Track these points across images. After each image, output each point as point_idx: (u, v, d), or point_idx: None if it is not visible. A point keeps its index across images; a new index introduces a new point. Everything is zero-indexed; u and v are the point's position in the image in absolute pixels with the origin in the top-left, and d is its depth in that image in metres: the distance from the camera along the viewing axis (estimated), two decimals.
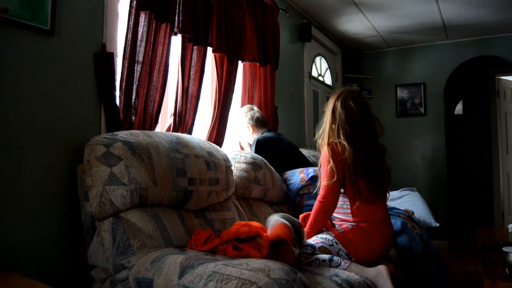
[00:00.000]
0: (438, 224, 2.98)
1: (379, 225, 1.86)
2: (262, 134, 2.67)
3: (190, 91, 2.25)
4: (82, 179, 1.62)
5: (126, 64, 1.89)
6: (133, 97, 1.93)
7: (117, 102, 1.88)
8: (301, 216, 2.02)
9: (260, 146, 2.56)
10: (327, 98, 4.36)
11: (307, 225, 1.90)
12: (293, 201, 2.50)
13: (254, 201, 2.37)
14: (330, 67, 4.68)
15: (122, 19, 1.97)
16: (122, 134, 1.66)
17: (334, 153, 1.84)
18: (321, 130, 1.97)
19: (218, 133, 2.51)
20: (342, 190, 1.89)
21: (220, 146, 2.49)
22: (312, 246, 1.77)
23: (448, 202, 4.83)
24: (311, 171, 2.45)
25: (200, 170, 1.84)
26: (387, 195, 1.99)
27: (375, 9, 3.84)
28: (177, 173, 1.72)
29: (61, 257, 1.66)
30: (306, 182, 2.42)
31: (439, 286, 2.16)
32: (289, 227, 1.58)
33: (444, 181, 4.78)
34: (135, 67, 1.93)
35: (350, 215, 1.88)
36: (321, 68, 4.46)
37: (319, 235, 1.85)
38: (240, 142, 2.87)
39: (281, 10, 3.25)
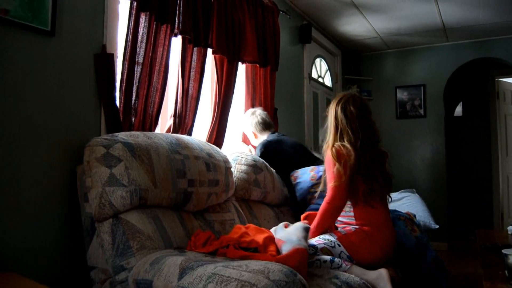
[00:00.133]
0: (437, 226, 2.97)
1: (382, 228, 1.86)
2: (265, 138, 2.67)
3: (190, 92, 2.26)
4: (81, 180, 1.62)
5: (126, 65, 1.89)
6: (133, 98, 1.94)
7: (117, 103, 1.88)
8: (302, 216, 2.02)
9: (263, 151, 2.57)
10: (327, 100, 4.41)
11: (312, 225, 1.88)
12: (303, 199, 2.47)
13: (254, 202, 2.37)
14: (330, 68, 4.68)
15: (123, 20, 1.97)
16: (122, 135, 1.66)
17: (339, 155, 1.86)
18: (326, 136, 1.98)
19: (218, 134, 2.51)
20: None
21: (220, 148, 2.49)
22: (314, 246, 1.77)
23: (448, 204, 4.83)
24: (321, 169, 2.43)
25: (200, 171, 1.84)
26: (389, 198, 1.99)
27: (375, 10, 3.84)
28: (177, 175, 1.72)
29: (61, 257, 1.65)
30: (316, 180, 2.40)
31: (439, 287, 2.16)
32: (307, 256, 1.53)
33: (444, 183, 4.78)
34: (135, 68, 1.93)
35: (353, 218, 1.88)
36: (321, 70, 4.46)
37: (322, 236, 1.85)
38: (251, 143, 2.87)
39: (281, 12, 3.25)
